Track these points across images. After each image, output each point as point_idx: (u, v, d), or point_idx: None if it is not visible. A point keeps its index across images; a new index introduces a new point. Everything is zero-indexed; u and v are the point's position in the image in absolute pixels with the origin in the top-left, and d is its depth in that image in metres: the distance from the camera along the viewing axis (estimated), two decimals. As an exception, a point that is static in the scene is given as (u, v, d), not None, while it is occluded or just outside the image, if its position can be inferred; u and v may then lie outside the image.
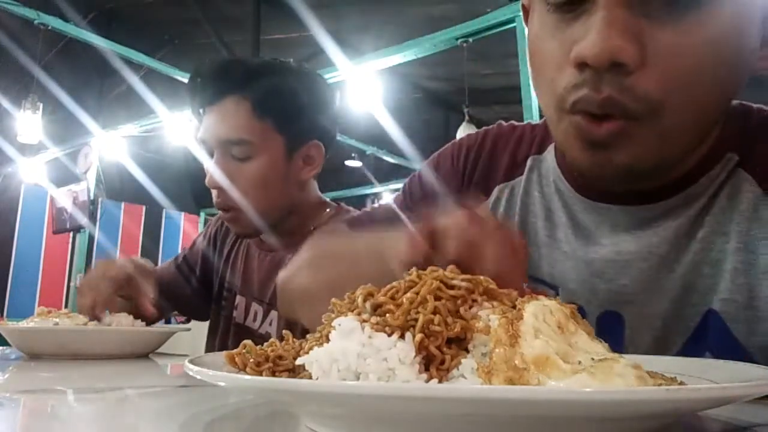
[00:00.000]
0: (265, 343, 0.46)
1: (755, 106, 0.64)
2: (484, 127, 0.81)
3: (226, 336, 1.28)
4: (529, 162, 0.72)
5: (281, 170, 1.16)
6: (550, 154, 0.71)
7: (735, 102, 0.63)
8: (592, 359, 0.36)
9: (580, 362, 0.35)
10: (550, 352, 0.34)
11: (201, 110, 1.18)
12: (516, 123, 0.79)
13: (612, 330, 0.60)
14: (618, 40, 0.48)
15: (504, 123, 0.80)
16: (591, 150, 0.54)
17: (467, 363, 0.36)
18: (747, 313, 0.57)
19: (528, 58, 0.58)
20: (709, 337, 0.58)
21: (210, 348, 1.34)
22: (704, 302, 0.59)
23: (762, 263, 0.57)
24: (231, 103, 1.14)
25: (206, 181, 1.16)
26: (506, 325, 0.36)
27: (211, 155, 1.16)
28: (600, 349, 0.39)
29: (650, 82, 0.50)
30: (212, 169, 1.14)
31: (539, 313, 0.37)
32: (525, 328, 0.36)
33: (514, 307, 0.39)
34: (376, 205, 0.94)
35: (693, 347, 0.58)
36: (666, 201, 0.60)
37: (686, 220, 0.60)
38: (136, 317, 1.08)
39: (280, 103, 1.15)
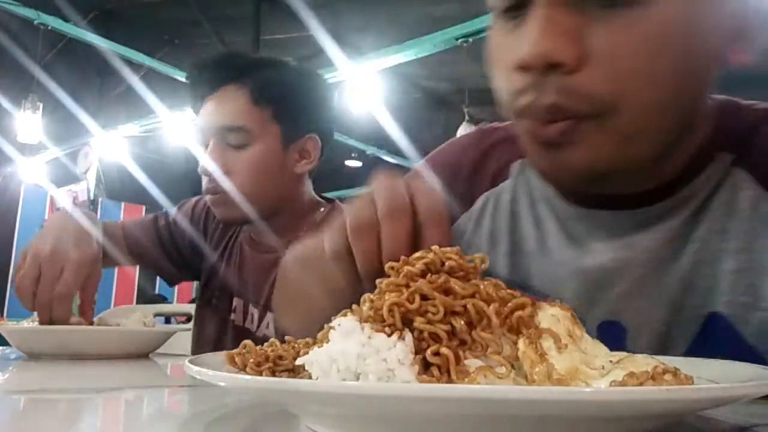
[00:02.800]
0: (266, 343, 0.46)
1: (743, 102, 0.62)
2: (474, 128, 0.80)
3: (223, 338, 1.27)
4: (516, 167, 0.70)
5: (276, 160, 1.16)
6: None
7: (722, 98, 0.61)
8: (611, 361, 0.37)
9: (603, 367, 0.36)
10: (577, 362, 0.36)
11: (200, 101, 1.18)
12: (499, 125, 0.76)
13: (613, 339, 0.58)
14: (554, 40, 0.48)
15: (490, 125, 0.77)
16: (546, 151, 0.53)
17: (471, 363, 0.36)
18: (757, 314, 0.55)
19: None
20: (716, 341, 0.57)
21: (202, 349, 1.30)
22: (705, 304, 0.58)
23: (766, 263, 0.56)
24: (230, 90, 1.15)
25: (199, 167, 1.15)
26: (532, 346, 0.36)
27: (207, 145, 1.15)
28: (604, 348, 0.40)
29: (594, 81, 0.49)
30: (206, 155, 1.13)
31: (552, 325, 0.38)
32: (547, 344, 0.36)
33: (512, 312, 0.39)
34: None
35: (698, 352, 0.56)
36: (659, 204, 0.59)
37: (680, 222, 0.59)
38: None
39: (278, 93, 1.16)
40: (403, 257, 0.42)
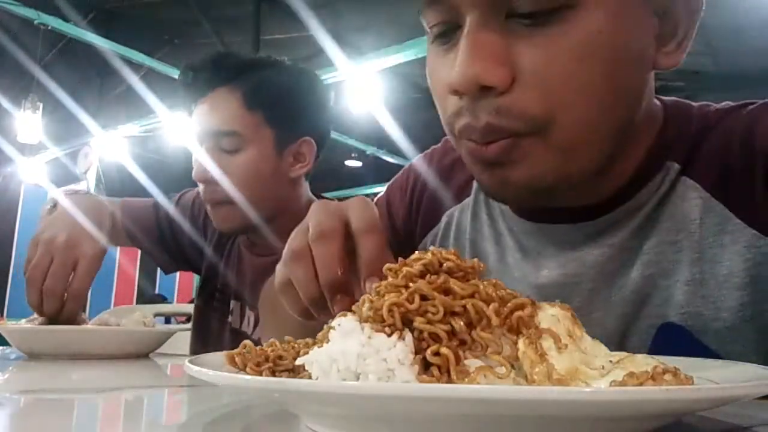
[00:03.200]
0: (265, 344, 0.46)
1: (696, 104, 0.61)
2: (432, 148, 0.79)
3: (220, 339, 1.26)
4: (476, 183, 0.70)
5: (270, 165, 1.13)
6: None
7: (671, 100, 0.61)
8: (610, 361, 0.37)
9: (603, 367, 0.37)
10: (576, 362, 0.36)
11: (193, 104, 1.16)
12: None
13: None
14: (482, 64, 0.48)
15: (446, 146, 0.77)
16: (488, 170, 0.54)
17: (471, 363, 0.36)
18: (716, 324, 0.55)
19: None
20: (675, 349, 0.54)
21: (201, 349, 1.30)
22: (659, 315, 0.58)
23: (720, 272, 0.55)
24: (222, 94, 1.12)
25: (193, 173, 1.13)
26: (532, 346, 0.37)
27: (201, 147, 1.13)
28: (604, 348, 0.40)
29: (526, 99, 0.49)
30: (200, 161, 1.11)
31: (552, 325, 0.38)
32: (546, 344, 0.36)
33: (512, 312, 0.39)
34: None
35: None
36: (607, 215, 0.59)
37: (629, 234, 0.58)
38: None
39: (271, 97, 1.13)
40: (401, 259, 0.42)
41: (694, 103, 0.62)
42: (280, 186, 1.16)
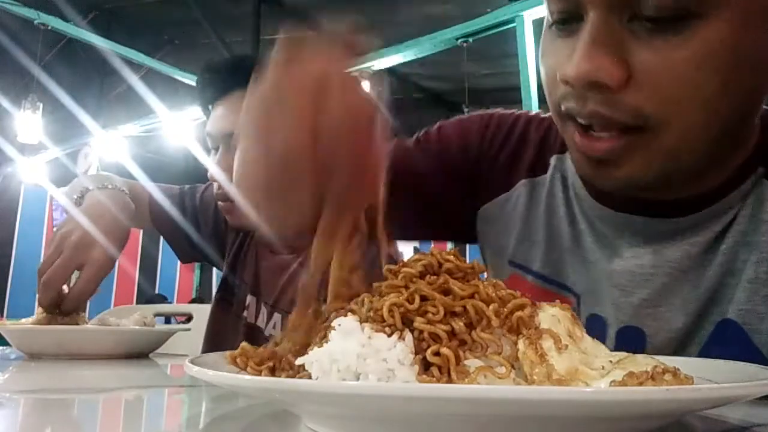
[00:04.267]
0: (269, 343, 0.46)
1: None
2: (516, 111, 0.77)
3: (235, 334, 1.28)
4: (553, 161, 0.70)
5: None
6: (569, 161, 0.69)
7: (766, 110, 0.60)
8: (610, 362, 0.37)
9: (603, 367, 0.37)
10: (576, 363, 0.36)
11: (209, 106, 1.19)
12: (544, 114, 0.74)
13: (632, 344, 0.58)
14: (599, 62, 0.49)
15: (533, 112, 0.77)
16: (592, 164, 0.55)
17: (471, 364, 0.36)
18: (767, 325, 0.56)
19: None
20: (727, 347, 0.57)
21: (213, 346, 1.33)
22: (721, 312, 0.58)
23: None
24: (237, 97, 1.15)
25: (209, 173, 1.16)
26: (532, 346, 0.37)
27: (216, 149, 1.16)
28: (604, 349, 0.40)
29: (638, 98, 0.49)
30: (215, 162, 1.14)
31: (552, 326, 0.38)
32: (546, 345, 0.37)
33: (512, 312, 0.39)
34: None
35: (708, 356, 0.57)
36: (692, 215, 0.59)
37: (711, 236, 0.59)
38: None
39: None
40: (400, 260, 0.42)
41: None
42: None
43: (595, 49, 0.49)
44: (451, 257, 0.41)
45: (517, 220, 0.71)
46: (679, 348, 0.60)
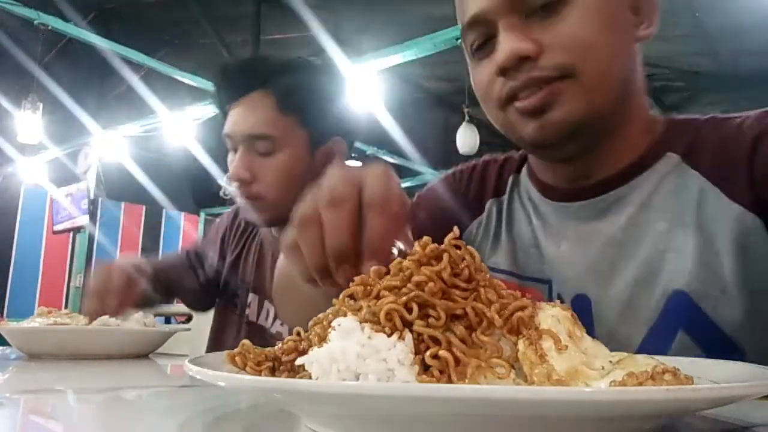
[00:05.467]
0: (277, 345, 0.46)
1: (692, 116, 0.76)
2: (473, 161, 0.96)
3: (238, 334, 1.29)
4: (510, 179, 0.86)
5: (303, 165, 1.17)
6: (524, 172, 0.86)
7: (682, 117, 0.77)
8: (610, 362, 0.37)
9: (603, 367, 0.37)
10: (576, 363, 0.36)
11: (227, 107, 1.20)
12: (498, 155, 0.94)
13: (582, 310, 0.70)
14: (517, 43, 0.66)
15: (488, 156, 0.95)
16: (532, 120, 0.68)
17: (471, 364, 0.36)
18: (713, 290, 0.65)
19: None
20: (681, 316, 0.66)
21: (216, 345, 1.34)
22: (671, 284, 0.67)
23: (715, 243, 0.66)
24: (255, 98, 1.16)
25: (230, 174, 1.17)
26: (532, 347, 0.37)
27: (236, 150, 1.17)
28: (604, 349, 0.40)
29: (553, 56, 0.66)
30: (236, 162, 1.15)
31: (552, 326, 0.38)
32: (546, 345, 0.37)
33: (512, 314, 0.39)
34: None
35: (665, 325, 0.67)
36: (614, 191, 0.73)
37: (635, 209, 0.71)
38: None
39: (304, 99, 1.17)
40: (399, 259, 0.42)
41: (690, 116, 0.77)
42: (311, 184, 1.19)
43: (513, 36, 0.67)
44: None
45: (490, 233, 0.85)
46: (626, 313, 0.69)
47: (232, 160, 1.16)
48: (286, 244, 0.51)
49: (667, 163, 0.71)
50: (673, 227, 0.68)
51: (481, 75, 0.72)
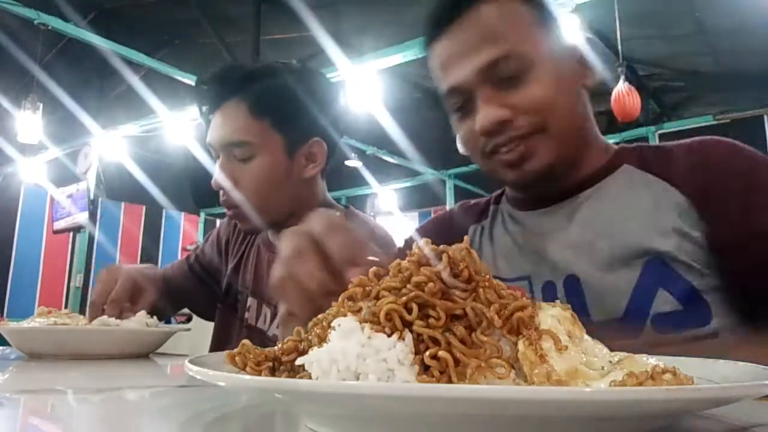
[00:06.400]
0: (276, 346, 0.46)
1: (646, 144, 0.92)
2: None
3: (238, 338, 1.29)
4: (492, 208, 1.02)
5: (283, 169, 1.18)
6: (503, 200, 1.01)
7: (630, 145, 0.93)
8: (610, 362, 0.37)
9: (603, 367, 0.37)
10: (576, 363, 0.36)
11: (209, 116, 1.22)
12: (473, 201, 1.09)
13: (573, 289, 0.82)
14: (494, 111, 0.81)
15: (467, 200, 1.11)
16: (513, 170, 0.84)
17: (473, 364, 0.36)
18: (677, 252, 0.77)
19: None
20: (657, 276, 0.77)
21: (219, 349, 1.34)
22: (643, 250, 0.78)
23: (667, 216, 0.79)
24: (230, 106, 1.17)
25: (212, 182, 1.19)
26: (532, 347, 0.37)
27: (218, 158, 1.19)
28: (604, 349, 0.40)
29: (527, 117, 0.81)
30: (217, 171, 1.17)
31: (552, 326, 0.38)
32: (546, 345, 0.37)
33: (511, 314, 0.39)
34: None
35: (645, 285, 0.77)
36: (583, 192, 0.87)
37: (604, 197, 0.85)
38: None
39: (276, 103, 1.17)
40: (398, 260, 0.42)
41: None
42: (294, 187, 1.21)
43: (490, 107, 0.81)
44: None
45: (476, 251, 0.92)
46: (610, 280, 0.79)
47: (216, 167, 1.19)
48: (275, 281, 0.59)
49: (625, 169, 0.87)
50: (636, 206, 0.82)
51: (465, 131, 0.87)
